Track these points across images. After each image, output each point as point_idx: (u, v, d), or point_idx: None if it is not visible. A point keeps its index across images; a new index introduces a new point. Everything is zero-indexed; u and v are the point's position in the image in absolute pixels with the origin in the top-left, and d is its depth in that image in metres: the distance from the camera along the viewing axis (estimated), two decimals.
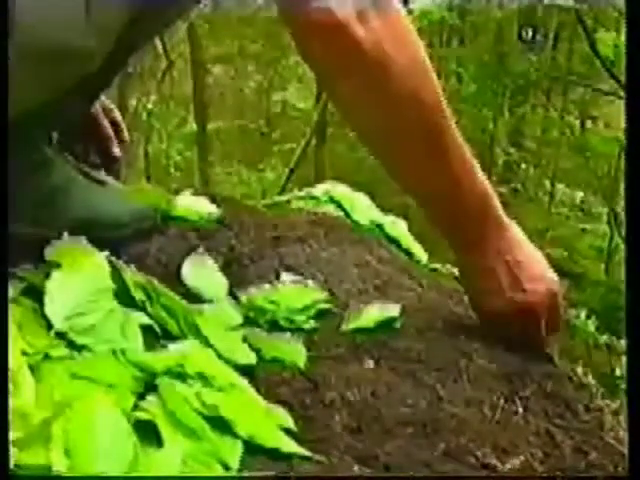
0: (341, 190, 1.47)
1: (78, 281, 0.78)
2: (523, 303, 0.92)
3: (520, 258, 0.93)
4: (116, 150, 1.16)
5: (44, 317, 0.73)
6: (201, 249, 1.03)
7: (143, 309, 0.82)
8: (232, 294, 0.96)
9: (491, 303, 0.94)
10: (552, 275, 0.95)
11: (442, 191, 0.90)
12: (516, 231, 0.95)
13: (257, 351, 0.84)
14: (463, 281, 1.00)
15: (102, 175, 1.12)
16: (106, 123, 1.15)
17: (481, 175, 0.91)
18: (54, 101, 0.82)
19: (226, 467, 0.63)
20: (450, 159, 0.88)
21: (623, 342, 4.38)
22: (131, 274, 0.85)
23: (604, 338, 4.61)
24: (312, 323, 0.94)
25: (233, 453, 0.65)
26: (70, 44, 0.77)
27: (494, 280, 0.92)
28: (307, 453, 0.67)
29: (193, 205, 1.20)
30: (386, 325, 0.95)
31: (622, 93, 5.16)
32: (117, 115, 1.17)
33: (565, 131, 8.49)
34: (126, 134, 1.18)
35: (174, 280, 0.95)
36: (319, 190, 1.47)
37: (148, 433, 0.63)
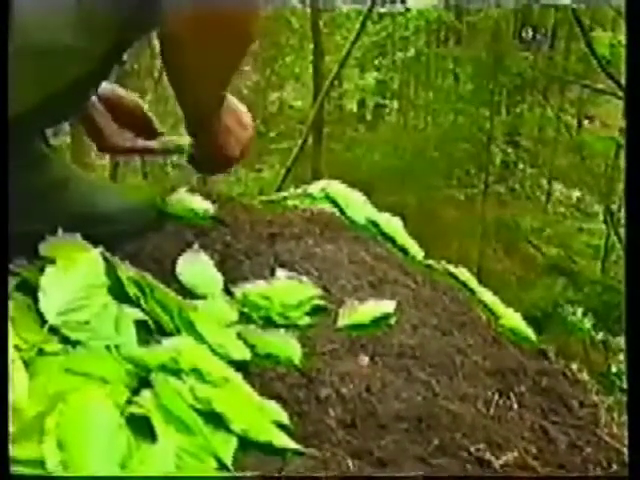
0: (337, 188, 1.46)
1: (72, 277, 0.78)
2: (249, 139, 1.13)
3: (236, 110, 1.12)
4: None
5: (38, 312, 0.73)
6: (196, 246, 1.03)
7: (137, 305, 0.82)
8: (227, 290, 0.96)
9: (231, 150, 1.11)
10: (240, 104, 1.14)
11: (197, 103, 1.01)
12: (227, 95, 1.09)
13: (251, 347, 0.84)
14: (202, 145, 1.12)
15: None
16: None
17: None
18: (50, 99, 0.82)
19: (220, 462, 0.63)
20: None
21: (619, 340, 4.39)
22: (125, 270, 0.85)
23: (600, 336, 4.62)
24: (307, 319, 0.94)
25: (227, 448, 0.65)
26: (65, 43, 0.77)
27: (230, 132, 1.10)
28: (301, 448, 0.67)
29: (188, 202, 1.20)
30: (381, 321, 0.95)
31: (619, 92, 5.16)
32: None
33: (562, 130, 8.49)
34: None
35: (169, 276, 0.95)
36: (315, 188, 1.46)
37: (142, 428, 0.63)
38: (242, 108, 1.15)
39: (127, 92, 1.17)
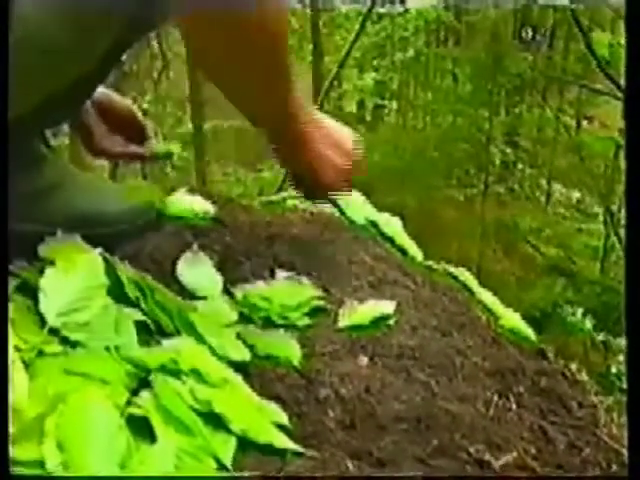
0: None
1: (72, 278, 0.78)
2: (350, 165, 1.08)
3: (333, 132, 1.06)
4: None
5: (38, 313, 0.73)
6: (196, 246, 1.03)
7: (137, 306, 0.82)
8: (227, 291, 0.96)
9: (327, 176, 1.07)
10: (345, 128, 1.09)
11: (275, 111, 0.97)
12: (321, 115, 1.07)
13: (251, 348, 0.84)
14: (297, 170, 1.08)
15: None
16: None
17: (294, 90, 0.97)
18: (49, 100, 0.82)
19: (219, 462, 0.63)
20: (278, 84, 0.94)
21: (619, 340, 4.39)
22: (125, 271, 0.85)
23: (600, 336, 4.62)
24: (306, 320, 0.94)
25: (226, 449, 0.65)
26: (65, 43, 0.77)
27: (326, 157, 1.05)
28: (300, 449, 0.67)
29: (188, 203, 1.20)
30: (380, 322, 0.95)
31: (618, 93, 5.16)
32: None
33: (561, 131, 8.49)
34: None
35: (169, 277, 0.95)
36: None
37: (141, 429, 0.63)
38: (342, 132, 1.09)
39: (120, 96, 1.17)
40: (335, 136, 1.07)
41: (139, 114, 1.20)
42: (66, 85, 0.82)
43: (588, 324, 4.75)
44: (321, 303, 0.98)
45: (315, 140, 1.04)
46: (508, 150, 8.70)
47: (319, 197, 1.17)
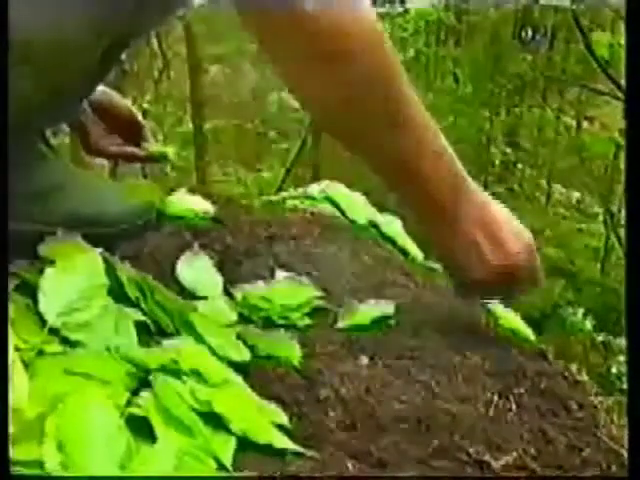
0: (337, 189, 1.46)
1: (72, 278, 0.78)
2: (506, 266, 0.89)
3: (493, 219, 0.89)
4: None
5: (38, 313, 0.73)
6: (196, 247, 1.03)
7: (137, 306, 0.82)
8: (226, 291, 0.96)
9: (474, 272, 0.89)
10: (524, 229, 0.92)
11: (406, 161, 0.85)
12: (482, 192, 0.91)
13: (251, 348, 0.84)
14: (440, 254, 0.94)
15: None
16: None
17: (442, 140, 0.87)
18: (48, 98, 0.82)
19: (219, 463, 0.63)
20: (411, 127, 0.84)
21: (619, 341, 4.39)
22: (125, 271, 0.85)
23: (600, 337, 4.62)
24: (306, 320, 0.94)
25: (226, 449, 0.65)
26: (64, 42, 0.77)
27: (474, 247, 0.88)
28: (300, 449, 0.67)
29: (188, 203, 1.20)
30: (381, 322, 0.95)
31: (618, 93, 5.16)
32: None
33: (561, 131, 8.49)
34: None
35: (169, 277, 0.95)
36: (315, 189, 1.47)
37: (142, 429, 0.63)
38: (506, 224, 0.90)
39: (119, 96, 1.18)
40: (491, 224, 0.89)
41: (137, 114, 1.20)
42: (65, 84, 0.82)
43: (588, 325, 4.76)
44: (321, 303, 0.98)
45: (464, 219, 0.88)
46: (508, 150, 8.70)
47: (467, 294, 0.96)
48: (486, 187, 7.82)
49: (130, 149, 1.19)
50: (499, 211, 0.90)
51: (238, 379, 0.75)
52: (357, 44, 0.79)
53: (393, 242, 1.35)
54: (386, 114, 0.83)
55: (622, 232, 6.09)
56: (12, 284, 0.76)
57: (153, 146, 1.20)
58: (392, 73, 0.82)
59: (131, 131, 1.19)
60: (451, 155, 0.87)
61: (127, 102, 1.20)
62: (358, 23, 0.79)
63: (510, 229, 0.90)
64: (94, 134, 1.16)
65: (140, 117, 1.20)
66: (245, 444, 0.66)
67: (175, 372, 0.70)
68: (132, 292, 0.83)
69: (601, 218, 7.37)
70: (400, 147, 0.84)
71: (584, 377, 0.93)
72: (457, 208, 0.87)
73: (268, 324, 0.92)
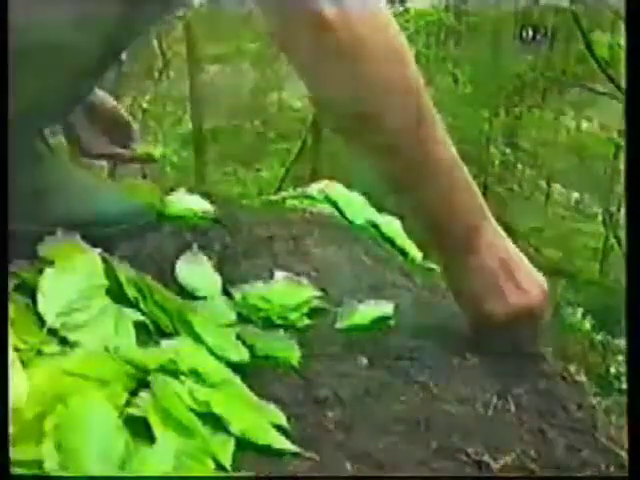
0: (336, 189, 1.47)
1: (71, 278, 0.78)
2: (523, 306, 0.86)
3: (512, 256, 0.87)
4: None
5: (37, 313, 0.73)
6: (195, 247, 1.03)
7: (136, 306, 0.82)
8: (226, 291, 0.96)
9: (489, 306, 0.87)
10: (539, 274, 0.90)
11: (426, 183, 0.83)
12: (497, 227, 0.89)
13: (250, 348, 0.84)
14: (454, 285, 0.92)
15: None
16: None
17: (461, 164, 0.85)
18: (46, 98, 0.82)
19: (218, 463, 0.63)
20: (431, 149, 0.82)
21: (618, 341, 4.40)
22: (124, 271, 0.85)
23: (599, 337, 4.62)
24: (305, 320, 0.94)
25: (225, 450, 0.65)
26: (63, 41, 0.77)
27: (491, 280, 0.86)
28: (299, 450, 0.67)
29: (187, 203, 1.20)
30: (380, 323, 0.95)
31: (618, 94, 5.17)
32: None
33: (561, 132, 8.50)
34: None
35: (168, 277, 0.95)
36: (314, 189, 1.47)
37: (140, 429, 0.63)
38: (522, 263, 0.88)
39: (108, 97, 1.17)
40: (507, 259, 0.87)
41: (125, 115, 1.20)
42: (64, 84, 0.82)
43: (587, 325, 4.76)
44: (320, 303, 0.98)
45: (481, 247, 0.86)
46: (508, 151, 8.70)
47: (482, 330, 0.91)
48: (486, 187, 7.83)
49: (116, 150, 1.19)
50: (514, 249, 0.89)
51: (237, 379, 0.75)
52: (376, 46, 0.80)
53: (392, 242, 1.35)
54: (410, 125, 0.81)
55: (621, 232, 6.09)
56: (11, 284, 0.76)
57: (141, 147, 1.20)
58: (414, 85, 0.82)
59: (118, 132, 1.18)
60: (469, 180, 0.86)
61: (116, 103, 1.19)
62: (378, 26, 0.82)
63: (526, 269, 0.88)
64: (82, 135, 1.16)
65: (128, 117, 1.20)
66: (244, 444, 0.66)
67: (174, 372, 0.70)
68: (131, 292, 0.83)
69: (600, 218, 7.38)
70: (421, 172, 0.82)
71: (583, 378, 0.93)
72: (479, 238, 0.86)
73: (267, 324, 0.91)
